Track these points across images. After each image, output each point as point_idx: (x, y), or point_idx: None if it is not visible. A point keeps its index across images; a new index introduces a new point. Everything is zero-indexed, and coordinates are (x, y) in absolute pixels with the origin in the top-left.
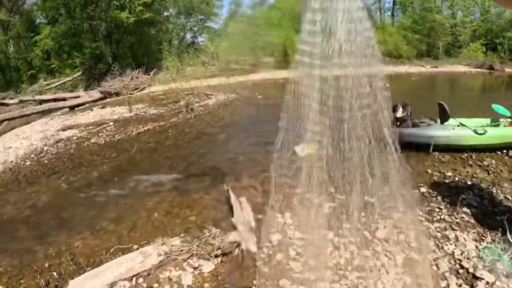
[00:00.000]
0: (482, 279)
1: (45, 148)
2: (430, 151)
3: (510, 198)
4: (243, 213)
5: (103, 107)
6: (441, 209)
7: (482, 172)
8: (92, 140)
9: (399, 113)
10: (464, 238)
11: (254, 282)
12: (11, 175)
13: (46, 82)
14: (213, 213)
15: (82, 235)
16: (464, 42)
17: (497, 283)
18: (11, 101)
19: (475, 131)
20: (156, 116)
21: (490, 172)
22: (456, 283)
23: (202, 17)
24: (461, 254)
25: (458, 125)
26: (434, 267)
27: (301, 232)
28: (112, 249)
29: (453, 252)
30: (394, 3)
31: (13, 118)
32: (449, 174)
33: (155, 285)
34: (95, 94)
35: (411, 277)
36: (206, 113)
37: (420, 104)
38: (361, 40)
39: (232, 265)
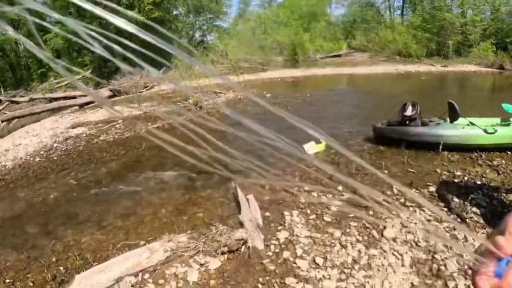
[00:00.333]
0: None
1: (55, 145)
2: (440, 150)
3: None
4: (250, 210)
5: (112, 105)
6: (450, 208)
7: (492, 172)
8: (101, 138)
9: (409, 112)
10: (473, 239)
11: (260, 279)
12: (21, 171)
13: (56, 81)
14: (220, 210)
15: (90, 230)
16: (474, 41)
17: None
18: (22, 99)
19: (485, 131)
20: (164, 114)
21: (500, 172)
22: (465, 284)
23: (211, 16)
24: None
25: (468, 124)
26: (443, 267)
27: (308, 230)
28: (119, 245)
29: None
30: (403, 2)
31: (23, 116)
32: (459, 173)
33: (161, 281)
34: (104, 92)
35: (418, 277)
36: (215, 111)
37: (429, 103)
38: None
39: (239, 262)
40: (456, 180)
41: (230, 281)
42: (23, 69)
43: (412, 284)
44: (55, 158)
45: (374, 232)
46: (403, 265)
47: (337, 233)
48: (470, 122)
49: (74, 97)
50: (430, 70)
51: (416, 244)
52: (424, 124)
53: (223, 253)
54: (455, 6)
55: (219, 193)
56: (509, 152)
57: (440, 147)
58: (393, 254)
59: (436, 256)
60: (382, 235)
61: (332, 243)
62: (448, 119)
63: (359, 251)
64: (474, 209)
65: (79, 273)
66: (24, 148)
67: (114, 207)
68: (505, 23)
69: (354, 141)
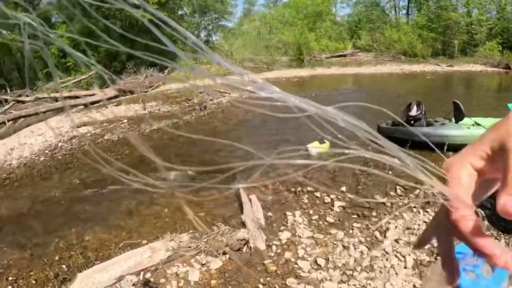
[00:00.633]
0: None
1: (59, 144)
2: (444, 150)
3: None
4: (253, 210)
5: (118, 105)
6: None
7: None
8: (106, 137)
9: (413, 112)
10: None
11: (262, 280)
12: (26, 170)
13: (62, 80)
14: (223, 210)
15: (92, 229)
16: (480, 41)
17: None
18: (27, 99)
19: None
20: (169, 113)
21: None
22: None
23: (216, 16)
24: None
25: (473, 125)
26: None
27: (311, 231)
28: (121, 244)
29: None
30: (409, 1)
31: (28, 115)
32: None
33: (162, 280)
34: (109, 92)
35: (421, 279)
36: (220, 111)
37: (434, 103)
38: None
39: (240, 262)
40: None
41: (231, 281)
42: (29, 69)
43: (414, 286)
44: (59, 157)
45: (377, 234)
46: (405, 267)
47: (340, 234)
48: (476, 122)
49: (79, 97)
50: (436, 70)
51: None
52: (429, 124)
53: (224, 253)
54: (460, 6)
55: (221, 193)
56: None
57: (445, 148)
58: (396, 256)
59: (439, 258)
60: (385, 237)
61: (335, 244)
62: (453, 119)
63: (362, 253)
64: (479, 210)
65: (81, 271)
66: (30, 147)
67: (117, 207)
68: (511, 23)
69: (358, 141)
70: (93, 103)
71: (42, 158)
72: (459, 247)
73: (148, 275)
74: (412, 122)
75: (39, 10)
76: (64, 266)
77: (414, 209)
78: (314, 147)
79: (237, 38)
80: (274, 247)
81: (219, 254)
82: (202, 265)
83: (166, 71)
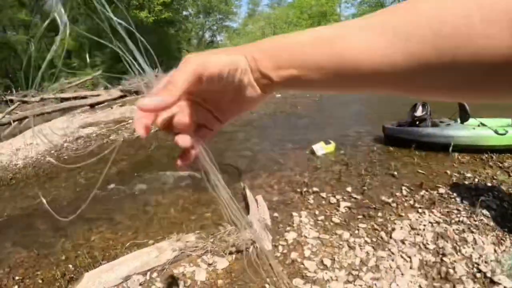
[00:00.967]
0: (500, 284)
1: (65, 144)
2: (450, 151)
3: None
4: (259, 211)
5: (123, 105)
6: (459, 211)
7: (503, 174)
8: (111, 137)
9: (419, 112)
10: (483, 241)
11: (268, 280)
12: (32, 170)
13: (67, 81)
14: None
15: (99, 229)
16: None
17: None
18: (33, 99)
19: (496, 131)
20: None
21: (511, 174)
22: None
23: (220, 16)
24: (479, 258)
25: (478, 125)
26: (451, 271)
27: (317, 231)
28: (128, 244)
29: (471, 255)
30: None
31: (34, 116)
32: (469, 175)
33: (169, 280)
34: (115, 92)
35: (426, 280)
36: None
37: (440, 103)
38: None
39: (247, 262)
40: (466, 182)
41: (237, 281)
42: (35, 69)
43: (420, 287)
44: (65, 157)
45: (382, 234)
46: (411, 268)
47: (346, 235)
48: (481, 123)
49: (84, 97)
50: None
51: (425, 246)
52: (434, 124)
53: (231, 253)
54: None
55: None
56: None
57: (451, 148)
58: (401, 256)
59: (444, 259)
60: (391, 237)
61: (340, 244)
62: (458, 120)
63: (367, 253)
64: (484, 211)
65: (88, 271)
66: (35, 148)
67: (123, 206)
68: None
69: (363, 141)
70: (98, 103)
71: (48, 158)
72: None
73: (154, 275)
74: (417, 122)
75: (44, 10)
76: (70, 266)
77: (420, 210)
78: (320, 148)
79: (241, 38)
80: (280, 247)
81: (225, 254)
82: (209, 265)
83: (171, 72)
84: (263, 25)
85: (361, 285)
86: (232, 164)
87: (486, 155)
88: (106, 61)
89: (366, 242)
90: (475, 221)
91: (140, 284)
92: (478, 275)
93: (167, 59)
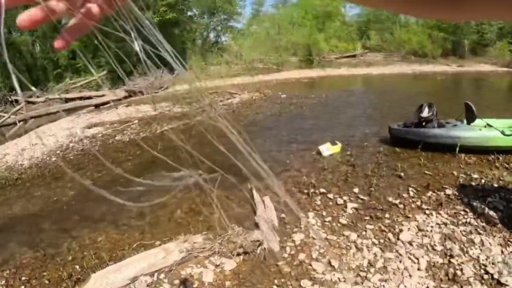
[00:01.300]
0: (507, 285)
1: (71, 145)
2: (456, 152)
3: None
4: (266, 211)
5: (128, 106)
6: (466, 212)
7: (509, 175)
8: (116, 138)
9: (425, 113)
10: (490, 243)
11: (276, 281)
12: (37, 171)
13: (72, 81)
14: (236, 211)
15: (105, 230)
16: (490, 41)
17: None
18: (38, 100)
19: (503, 132)
20: (180, 114)
21: None
22: None
23: (225, 16)
24: (486, 259)
25: (485, 126)
26: (459, 272)
27: (324, 232)
28: (135, 245)
29: (478, 256)
30: None
31: (39, 116)
32: (475, 176)
33: (176, 281)
34: (120, 92)
35: (434, 281)
36: (230, 112)
37: (446, 104)
38: None
39: (254, 264)
40: (473, 183)
41: (245, 283)
42: (39, 70)
43: None
44: (71, 157)
45: (390, 235)
46: (419, 269)
47: (353, 236)
48: (487, 124)
49: (89, 98)
50: (446, 70)
51: (433, 248)
52: (440, 125)
53: (238, 254)
54: None
55: (234, 194)
56: None
57: (457, 149)
58: (409, 258)
59: (452, 260)
60: (398, 238)
61: (348, 245)
62: (465, 121)
63: (375, 254)
64: (491, 212)
65: (95, 272)
66: (41, 148)
67: (129, 207)
68: None
69: (369, 142)
70: (103, 104)
71: (53, 159)
72: None
73: (162, 276)
74: (423, 123)
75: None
76: (77, 267)
77: (427, 211)
78: (326, 149)
79: (246, 38)
80: (288, 249)
81: (233, 255)
82: (216, 266)
83: (176, 72)
84: (267, 25)
85: (369, 287)
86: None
87: (493, 156)
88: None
89: (373, 243)
90: (482, 222)
91: (148, 285)
92: (486, 276)
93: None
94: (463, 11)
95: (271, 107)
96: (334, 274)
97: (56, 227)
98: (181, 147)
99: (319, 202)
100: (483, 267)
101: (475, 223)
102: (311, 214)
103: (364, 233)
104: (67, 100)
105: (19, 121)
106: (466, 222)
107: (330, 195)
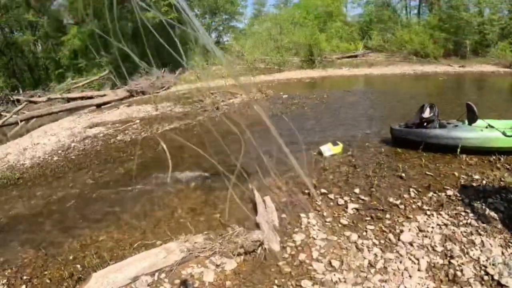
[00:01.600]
0: (507, 287)
1: (72, 144)
2: (458, 153)
3: None
4: (267, 212)
5: (129, 105)
6: (467, 213)
7: (511, 176)
8: (118, 138)
9: (426, 114)
10: (490, 244)
11: (276, 281)
12: (39, 170)
13: (74, 81)
14: (237, 211)
15: (107, 229)
16: (492, 41)
17: None
18: (40, 99)
19: (504, 133)
20: (181, 114)
21: None
22: None
23: (227, 16)
24: (486, 260)
25: (486, 127)
26: (459, 273)
27: (325, 233)
28: (136, 244)
29: (479, 258)
30: (420, 1)
31: (41, 115)
32: (477, 177)
33: (177, 281)
34: (121, 92)
35: (434, 282)
36: (232, 112)
37: (447, 105)
38: None
39: (255, 264)
40: (474, 184)
41: (246, 283)
42: (41, 69)
43: None
44: (73, 157)
45: (390, 236)
46: (419, 270)
47: (354, 236)
48: (489, 125)
49: (91, 97)
50: (448, 70)
51: (433, 249)
52: (442, 126)
53: (239, 254)
54: (472, 5)
55: (235, 194)
56: None
57: (458, 150)
58: (410, 259)
59: (452, 261)
60: (399, 239)
61: (349, 246)
62: (466, 121)
63: (376, 255)
64: (492, 213)
65: (95, 271)
66: (43, 147)
67: (130, 207)
68: None
69: (371, 142)
70: (104, 103)
71: (55, 158)
72: None
73: (163, 275)
74: (425, 124)
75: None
76: (78, 266)
77: (428, 212)
78: (328, 149)
79: (247, 38)
80: (288, 249)
81: (233, 255)
82: (217, 266)
83: (177, 72)
84: (269, 25)
85: (369, 287)
86: (239, 165)
87: (494, 157)
88: (112, 62)
89: (374, 244)
90: (483, 223)
91: (148, 285)
92: (486, 277)
93: (173, 59)
94: None
95: (272, 107)
96: (334, 274)
97: (58, 226)
98: (184, 147)
99: (319, 202)
100: (483, 268)
101: (476, 224)
102: (311, 214)
103: (364, 233)
104: (69, 100)
105: (21, 121)
106: (467, 223)
107: (331, 196)
